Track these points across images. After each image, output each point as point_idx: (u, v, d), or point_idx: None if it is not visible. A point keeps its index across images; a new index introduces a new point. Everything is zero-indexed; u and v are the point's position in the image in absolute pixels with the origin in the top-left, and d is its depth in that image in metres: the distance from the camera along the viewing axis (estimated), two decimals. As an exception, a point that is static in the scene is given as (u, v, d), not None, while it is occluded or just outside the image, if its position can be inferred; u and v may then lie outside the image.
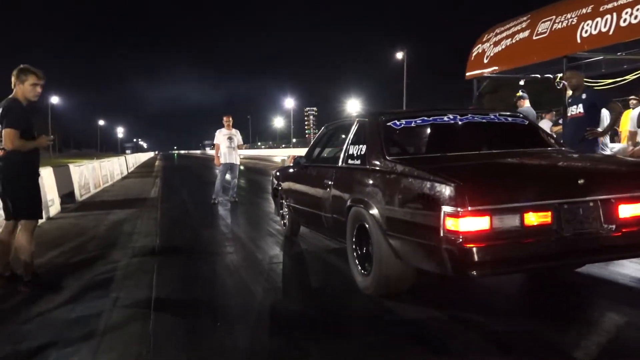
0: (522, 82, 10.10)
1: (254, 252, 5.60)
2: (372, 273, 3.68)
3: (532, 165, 3.72)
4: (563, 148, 4.26)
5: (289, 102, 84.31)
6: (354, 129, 4.49)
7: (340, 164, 4.48)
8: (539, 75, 9.90)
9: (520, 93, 9.62)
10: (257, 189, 13.73)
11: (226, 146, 10.34)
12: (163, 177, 21.15)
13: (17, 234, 4.31)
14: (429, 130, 4.21)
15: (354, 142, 4.36)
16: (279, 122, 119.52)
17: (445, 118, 4.16)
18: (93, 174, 14.40)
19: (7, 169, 4.17)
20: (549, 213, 2.99)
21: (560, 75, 9.38)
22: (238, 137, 10.54)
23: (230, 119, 10.52)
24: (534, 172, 3.52)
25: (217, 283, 4.46)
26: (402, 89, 40.09)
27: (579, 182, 3.10)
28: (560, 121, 10.59)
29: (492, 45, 9.12)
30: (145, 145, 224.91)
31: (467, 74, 9.83)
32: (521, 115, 4.60)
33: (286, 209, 6.09)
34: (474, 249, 2.85)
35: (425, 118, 4.16)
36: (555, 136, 5.67)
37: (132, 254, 5.56)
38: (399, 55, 44.36)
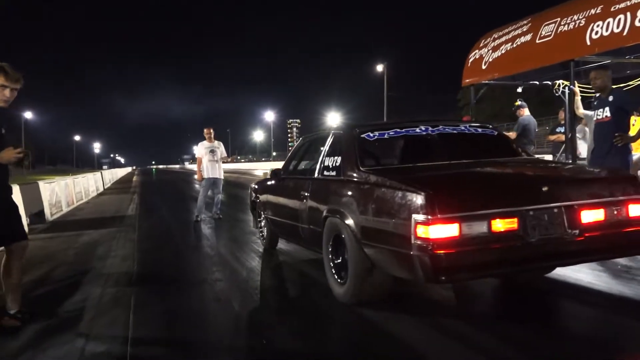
0: (519, 90, 9.67)
1: (246, 279, 4.96)
2: (348, 282, 3.73)
3: (500, 173, 3.86)
4: (530, 156, 4.48)
5: (269, 115, 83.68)
6: (329, 141, 4.56)
7: (316, 175, 4.53)
8: (537, 82, 9.49)
9: (519, 102, 9.17)
10: (240, 203, 13.02)
11: (208, 160, 9.68)
12: (141, 193, 20.29)
13: None
14: (401, 142, 4.37)
15: (330, 154, 4.42)
16: (259, 136, 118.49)
17: (418, 130, 4.30)
18: (66, 191, 13.56)
19: None
20: (515, 219, 3.10)
21: (559, 82, 8.98)
22: (221, 150, 9.90)
23: (212, 130, 9.86)
24: (501, 181, 3.63)
25: (206, 319, 3.81)
26: (388, 99, 39.97)
27: (543, 189, 3.22)
28: (559, 129, 10.21)
29: (490, 51, 8.67)
30: (122, 160, 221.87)
31: (464, 81, 9.35)
32: (490, 126, 4.69)
33: (264, 222, 6.10)
34: (444, 255, 2.94)
35: (398, 130, 4.31)
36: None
37: (106, 283, 4.85)
38: (379, 67, 44.38)
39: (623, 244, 3.41)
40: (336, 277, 3.94)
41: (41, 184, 10.89)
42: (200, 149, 9.84)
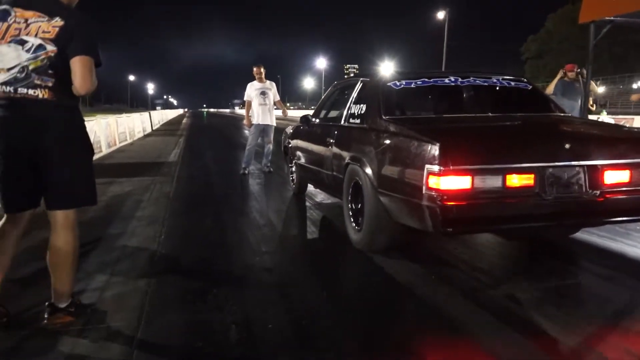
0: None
1: (309, 271, 3.61)
2: (363, 229, 3.73)
3: (522, 128, 3.67)
4: (565, 114, 4.29)
5: (321, 62, 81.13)
6: (357, 88, 4.49)
7: (342, 122, 4.50)
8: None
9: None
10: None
11: (259, 103, 8.25)
12: (188, 137, 19.31)
13: (56, 234, 2.59)
14: (428, 92, 4.28)
15: (357, 102, 4.35)
16: (309, 83, 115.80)
17: (446, 80, 4.15)
18: (106, 131, 12.55)
19: (68, 127, 2.53)
20: (532, 176, 3.02)
21: None
22: (274, 91, 8.42)
23: (262, 69, 8.34)
24: (521, 136, 3.45)
25: (242, 343, 2.45)
26: (448, 48, 37.27)
27: (565, 146, 3.11)
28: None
29: (625, -25, 6.67)
30: (175, 102, 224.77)
31: (582, 16, 7.40)
32: (525, 79, 4.44)
33: (294, 167, 6.12)
34: (454, 207, 2.89)
35: (426, 79, 4.17)
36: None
37: (118, 263, 3.59)
38: (441, 15, 41.34)
39: None
40: (353, 224, 3.95)
41: (75, 122, 9.81)
42: (249, 91, 8.38)
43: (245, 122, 8.56)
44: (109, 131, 13.03)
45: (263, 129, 8.33)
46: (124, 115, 16.70)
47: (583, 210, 3.15)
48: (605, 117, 8.07)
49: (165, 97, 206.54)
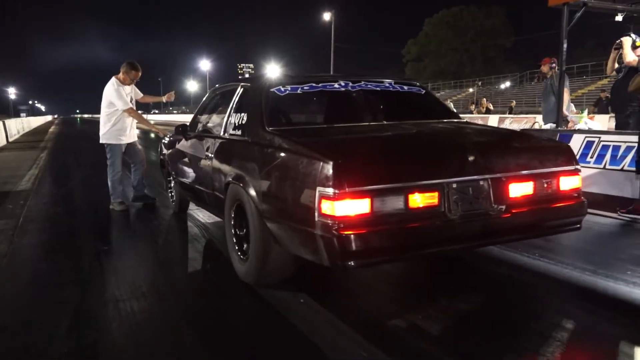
0: (619, 18, 6.53)
1: None
2: (249, 259, 3.28)
3: (422, 139, 3.30)
4: (460, 120, 4.07)
5: (205, 64, 77.57)
6: (237, 94, 3.99)
7: (222, 134, 3.97)
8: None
9: (632, 36, 5.94)
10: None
11: (133, 114, 6.03)
12: (53, 150, 16.02)
13: None
14: (316, 99, 4.06)
15: (237, 110, 3.87)
16: (193, 86, 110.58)
17: (336, 85, 3.87)
18: None
19: None
20: (436, 194, 2.72)
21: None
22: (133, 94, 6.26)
23: (140, 73, 6.09)
24: (422, 148, 3.06)
25: None
26: (336, 50, 36.60)
27: (469, 159, 2.83)
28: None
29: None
30: (43, 108, 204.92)
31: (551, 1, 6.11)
32: (417, 83, 4.23)
33: (173, 182, 5.54)
34: (353, 236, 2.51)
35: (314, 84, 3.82)
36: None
37: None
38: (327, 16, 40.70)
39: (552, 222, 3.11)
40: (238, 252, 3.48)
41: None
42: (123, 95, 5.90)
43: (160, 132, 6.41)
44: None
45: (131, 148, 6.07)
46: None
47: (491, 228, 2.86)
48: (589, 122, 6.93)
49: (31, 102, 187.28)
